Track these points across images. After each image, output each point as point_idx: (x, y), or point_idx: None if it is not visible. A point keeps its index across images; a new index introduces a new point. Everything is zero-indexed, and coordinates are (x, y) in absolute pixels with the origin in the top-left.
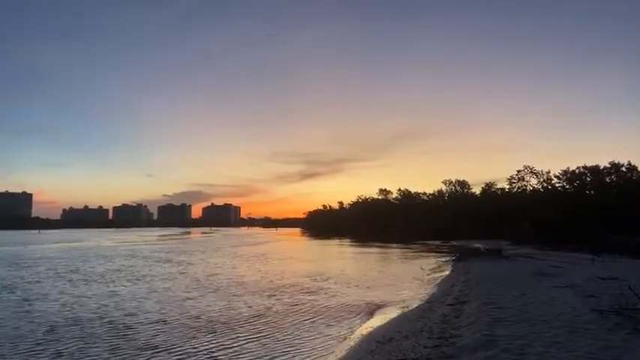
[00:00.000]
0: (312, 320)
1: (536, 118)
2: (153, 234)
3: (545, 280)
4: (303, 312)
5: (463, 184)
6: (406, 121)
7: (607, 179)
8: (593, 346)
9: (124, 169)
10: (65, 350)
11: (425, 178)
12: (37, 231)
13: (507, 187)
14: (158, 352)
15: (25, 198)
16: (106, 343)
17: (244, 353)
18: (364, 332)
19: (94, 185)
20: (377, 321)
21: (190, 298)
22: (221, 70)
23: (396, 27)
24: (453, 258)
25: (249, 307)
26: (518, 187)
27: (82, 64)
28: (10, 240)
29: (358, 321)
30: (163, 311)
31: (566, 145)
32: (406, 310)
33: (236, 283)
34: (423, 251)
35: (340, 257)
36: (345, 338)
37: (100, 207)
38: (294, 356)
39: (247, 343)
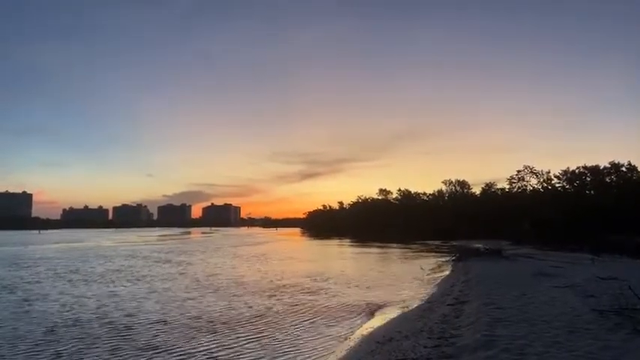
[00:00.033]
0: (312, 320)
1: (536, 118)
2: (153, 234)
3: (546, 280)
4: (303, 312)
5: (463, 184)
6: (406, 121)
7: (607, 179)
8: (593, 346)
9: (124, 169)
10: (65, 351)
11: (425, 178)
12: (37, 231)
13: (507, 187)
14: (158, 352)
15: (25, 198)
16: (106, 343)
17: (245, 353)
18: (364, 332)
19: (94, 185)
20: (377, 321)
21: (190, 299)
22: (221, 70)
23: (396, 27)
24: (453, 258)
25: (250, 307)
26: (519, 187)
27: (82, 64)
28: (10, 240)
29: (358, 321)
30: (163, 311)
31: (566, 145)
32: (406, 310)
33: (236, 283)
34: (423, 251)
35: (340, 257)
36: (345, 338)
37: (100, 207)
38: (294, 356)
39: (248, 343)
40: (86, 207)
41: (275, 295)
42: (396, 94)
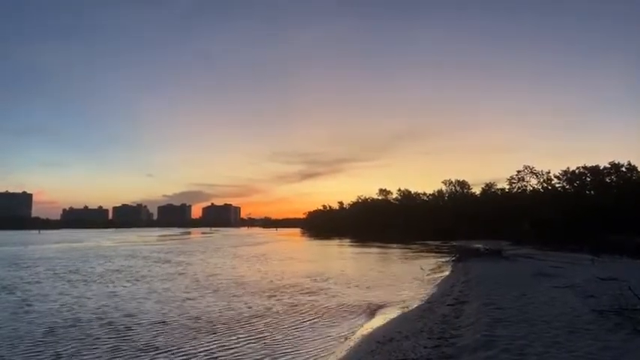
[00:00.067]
0: (312, 321)
1: (536, 118)
2: (153, 234)
3: (545, 281)
4: (303, 312)
5: (463, 184)
6: (406, 121)
7: (607, 179)
8: (593, 346)
9: (124, 169)
10: (64, 351)
11: (425, 179)
12: (37, 231)
13: (507, 187)
14: (158, 353)
15: (25, 198)
16: (105, 344)
17: (245, 354)
18: (364, 332)
19: (94, 185)
20: (377, 321)
21: (190, 299)
22: (221, 70)
23: (396, 27)
24: (453, 258)
25: (250, 307)
26: (519, 188)
27: (82, 64)
28: (10, 240)
29: (358, 321)
30: (163, 312)
31: (566, 145)
32: (406, 310)
33: (236, 283)
34: (423, 251)
35: (340, 257)
36: (345, 339)
37: (100, 207)
38: (294, 357)
39: (248, 344)
40: (86, 207)
41: (275, 296)
42: (396, 94)
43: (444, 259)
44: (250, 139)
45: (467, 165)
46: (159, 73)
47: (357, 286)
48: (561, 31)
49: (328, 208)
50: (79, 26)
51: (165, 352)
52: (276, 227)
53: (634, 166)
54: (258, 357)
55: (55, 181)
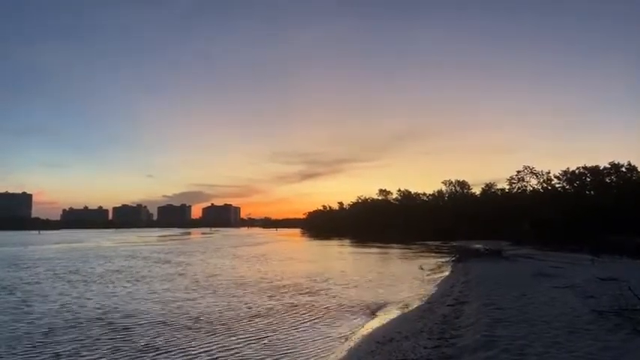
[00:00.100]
0: (312, 321)
1: (536, 118)
2: (153, 235)
3: (545, 281)
4: (303, 313)
5: (463, 184)
6: (406, 121)
7: (607, 180)
8: (593, 346)
9: (124, 170)
10: (64, 352)
11: (425, 179)
12: (36, 232)
13: (507, 187)
14: (158, 353)
15: (25, 198)
16: (105, 344)
17: (245, 354)
18: (364, 333)
19: (94, 186)
20: (377, 321)
21: (190, 299)
22: (221, 70)
23: (396, 27)
24: (453, 258)
25: (250, 308)
26: (519, 188)
27: (82, 64)
28: (10, 240)
29: (358, 321)
30: (163, 312)
31: (566, 145)
32: (406, 310)
33: (236, 284)
34: (422, 252)
35: (340, 258)
36: (345, 339)
37: (100, 207)
38: (294, 357)
39: (248, 344)
40: (86, 207)
41: (275, 296)
42: (396, 94)
43: (443, 260)
44: (250, 140)
45: (467, 165)
46: (159, 74)
47: (356, 287)
48: (561, 31)
49: (328, 209)
50: (79, 26)
51: (166, 352)
52: (276, 227)
53: (634, 166)
54: (258, 357)
55: (55, 181)
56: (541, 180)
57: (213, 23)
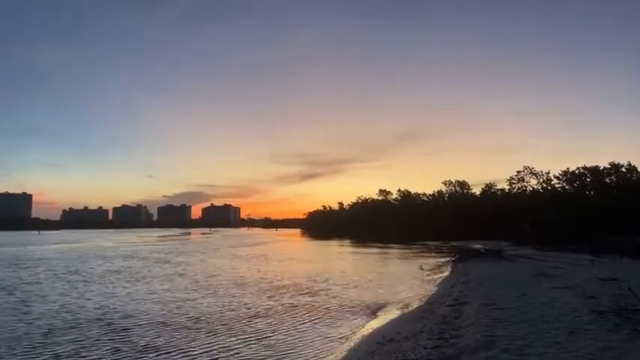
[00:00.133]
0: (312, 321)
1: (536, 118)
2: (152, 235)
3: (545, 281)
4: (303, 313)
5: (463, 184)
6: (406, 121)
7: (607, 180)
8: (593, 346)
9: (124, 170)
10: (63, 352)
11: (425, 179)
12: (36, 232)
13: (507, 187)
14: (158, 354)
15: (25, 199)
16: (104, 345)
17: (245, 355)
18: (364, 333)
19: (94, 186)
20: (377, 322)
21: (190, 300)
22: (221, 70)
23: (396, 27)
24: (453, 259)
25: (249, 308)
26: (518, 188)
27: (82, 64)
28: (10, 241)
29: (358, 322)
30: (163, 313)
31: (566, 145)
32: (406, 310)
33: (236, 284)
34: (422, 252)
35: (340, 258)
36: (345, 339)
37: (100, 208)
38: (294, 357)
39: (247, 344)
40: (86, 208)
41: (275, 296)
42: (396, 94)
43: (443, 260)
44: (250, 140)
45: (467, 165)
46: (159, 74)
47: (356, 287)
48: (561, 31)
49: (328, 209)
50: (79, 26)
51: (165, 353)
52: (276, 228)
53: (634, 166)
54: (258, 358)
55: (55, 181)
56: (541, 180)
57: (213, 23)
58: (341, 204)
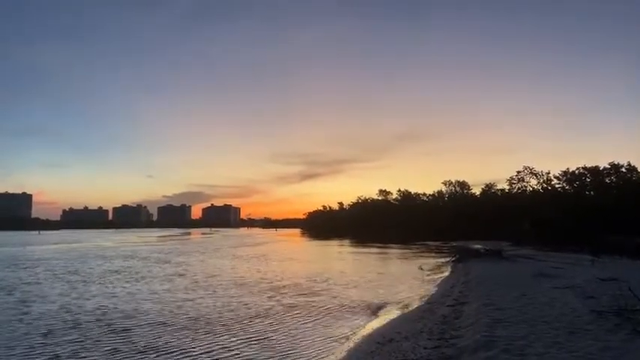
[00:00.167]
0: (312, 321)
1: (536, 118)
2: (152, 235)
3: (545, 281)
4: (302, 313)
5: (463, 184)
6: (406, 121)
7: (607, 180)
8: (593, 346)
9: (124, 170)
10: (63, 353)
11: (425, 179)
12: (36, 232)
13: (507, 187)
14: (158, 354)
15: (25, 199)
16: (104, 345)
17: (244, 355)
18: (364, 333)
19: (94, 186)
20: (377, 322)
21: (190, 300)
22: (221, 71)
23: (396, 27)
24: (453, 259)
25: (249, 308)
26: (518, 188)
27: (82, 64)
28: (10, 241)
29: (358, 322)
30: (163, 313)
31: (566, 145)
32: (406, 310)
33: (236, 284)
34: (422, 252)
35: (340, 258)
36: (345, 339)
37: (100, 208)
38: (294, 357)
39: (247, 344)
40: (86, 208)
41: (275, 296)
42: (396, 94)
43: (443, 260)
44: (250, 140)
45: (467, 166)
46: (159, 74)
47: (356, 287)
48: (561, 31)
49: (328, 209)
50: (79, 26)
51: (165, 353)
52: (275, 228)
53: (634, 166)
54: (259, 358)
55: (55, 181)
56: (541, 180)
57: (213, 23)
58: (341, 204)
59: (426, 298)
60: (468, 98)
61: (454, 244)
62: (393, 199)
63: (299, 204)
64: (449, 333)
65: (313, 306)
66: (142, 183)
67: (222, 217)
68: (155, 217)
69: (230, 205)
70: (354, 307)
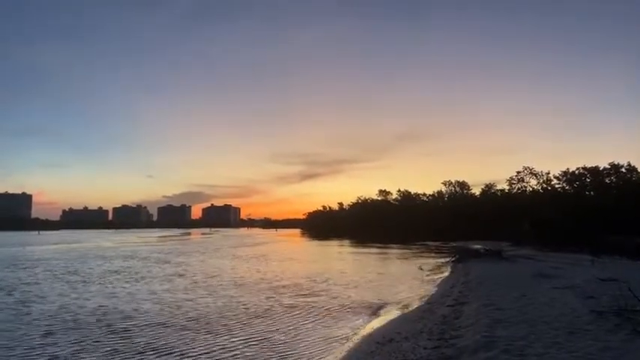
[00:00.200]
0: (312, 322)
1: (536, 118)
2: (152, 235)
3: (545, 282)
4: (302, 313)
5: (463, 185)
6: (406, 121)
7: (607, 180)
8: (593, 347)
9: (124, 170)
10: (62, 354)
11: (425, 179)
12: (36, 232)
13: (507, 188)
14: (158, 354)
15: (25, 199)
16: (104, 345)
17: (244, 355)
18: (364, 333)
19: (94, 186)
20: (377, 322)
21: (189, 300)
22: (221, 71)
23: (396, 27)
24: (453, 259)
25: (249, 308)
26: (518, 188)
27: (82, 64)
28: (10, 241)
29: (358, 322)
30: (162, 313)
31: (566, 145)
32: (406, 311)
33: (235, 284)
34: (422, 252)
35: (340, 258)
36: (345, 339)
37: (100, 208)
38: (294, 357)
39: (247, 344)
40: (86, 208)
41: (274, 297)
42: (396, 94)
43: (443, 260)
44: (250, 140)
45: (467, 166)
46: (159, 74)
47: (356, 287)
48: (561, 31)
49: (328, 209)
50: (79, 26)
51: (165, 353)
52: (275, 228)
53: (634, 166)
54: (258, 358)
55: (55, 181)
56: (541, 180)
57: (213, 23)
58: (341, 204)
59: (425, 299)
60: (468, 98)
61: (454, 245)
62: (393, 200)
63: (299, 204)
64: (449, 333)
65: (313, 306)
66: (141, 183)
67: (222, 217)
68: (155, 218)
69: (230, 205)
70: (354, 308)
